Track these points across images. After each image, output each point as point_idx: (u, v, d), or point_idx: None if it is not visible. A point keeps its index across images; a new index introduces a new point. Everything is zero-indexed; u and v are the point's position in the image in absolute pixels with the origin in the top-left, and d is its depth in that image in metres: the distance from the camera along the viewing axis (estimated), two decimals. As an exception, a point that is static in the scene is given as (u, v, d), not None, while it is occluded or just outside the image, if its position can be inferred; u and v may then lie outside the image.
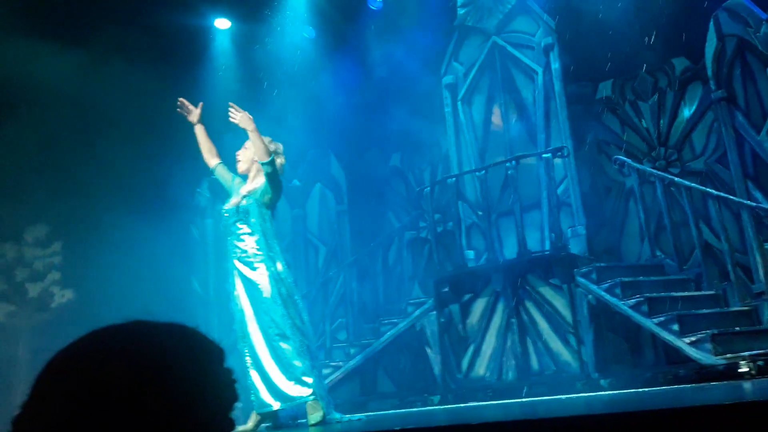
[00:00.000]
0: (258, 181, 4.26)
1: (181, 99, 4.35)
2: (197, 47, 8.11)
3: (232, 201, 4.25)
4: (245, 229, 4.15)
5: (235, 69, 8.19)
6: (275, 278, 4.08)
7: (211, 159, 4.38)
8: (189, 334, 0.84)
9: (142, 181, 7.71)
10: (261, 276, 4.09)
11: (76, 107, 7.28)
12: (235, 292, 4.17)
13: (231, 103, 4.13)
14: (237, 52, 8.27)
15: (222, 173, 4.39)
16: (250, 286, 4.11)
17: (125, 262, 7.58)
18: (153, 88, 7.06)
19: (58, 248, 8.47)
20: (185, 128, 7.26)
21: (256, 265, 4.11)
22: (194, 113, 4.34)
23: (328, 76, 7.97)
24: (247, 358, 4.09)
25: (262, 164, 4.09)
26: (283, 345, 4.02)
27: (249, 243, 4.13)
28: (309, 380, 3.99)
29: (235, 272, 4.17)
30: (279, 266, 4.13)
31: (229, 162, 4.39)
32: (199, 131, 4.36)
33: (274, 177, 4.15)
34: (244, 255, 4.14)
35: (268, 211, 4.20)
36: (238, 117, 4.09)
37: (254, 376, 4.06)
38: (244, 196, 4.21)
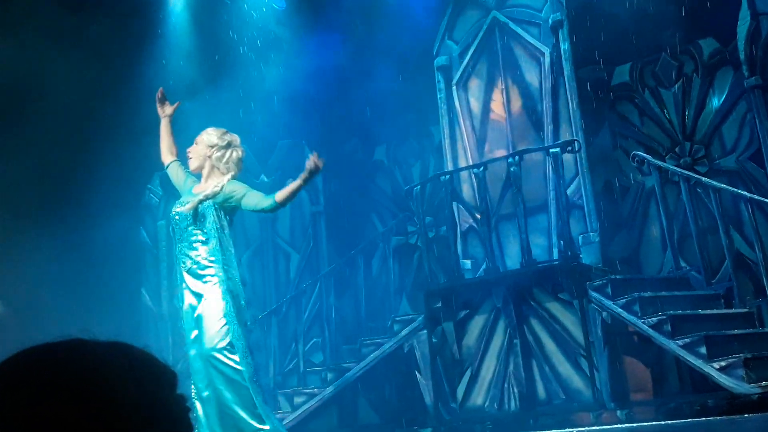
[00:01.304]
0: (215, 181, 4.27)
1: (161, 89, 4.53)
2: (147, 18, 7.91)
3: (187, 204, 4.24)
4: (199, 235, 4.17)
5: (191, 44, 8.08)
6: (230, 294, 4.09)
7: (168, 156, 4.49)
8: (135, 354, 0.83)
9: (83, 176, 7.59)
10: (212, 290, 4.09)
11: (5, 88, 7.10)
12: (184, 308, 4.18)
13: (317, 156, 4.16)
14: (194, 23, 8.12)
15: (175, 172, 4.48)
16: (200, 300, 4.12)
17: (63, 271, 7.49)
18: (94, 67, 6.94)
19: (-16, 253, 8.32)
20: (131, 115, 7.07)
21: (207, 278, 4.13)
22: (168, 108, 4.49)
23: (301, 55, 7.90)
24: (192, 387, 4.06)
25: (272, 206, 4.17)
26: (235, 370, 4.01)
27: (202, 252, 4.16)
28: (263, 414, 4.00)
29: (184, 285, 4.19)
30: (234, 281, 4.15)
31: (185, 160, 4.48)
32: (165, 125, 4.50)
33: (264, 212, 4.36)
34: (194, 266, 4.17)
35: (227, 217, 4.22)
36: (314, 166, 4.13)
37: (200, 407, 4.04)
38: (201, 199, 4.21)
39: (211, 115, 7.53)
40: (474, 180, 6.82)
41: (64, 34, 7.15)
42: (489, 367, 6.15)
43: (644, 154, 6.38)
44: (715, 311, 5.62)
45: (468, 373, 6.22)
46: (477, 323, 6.27)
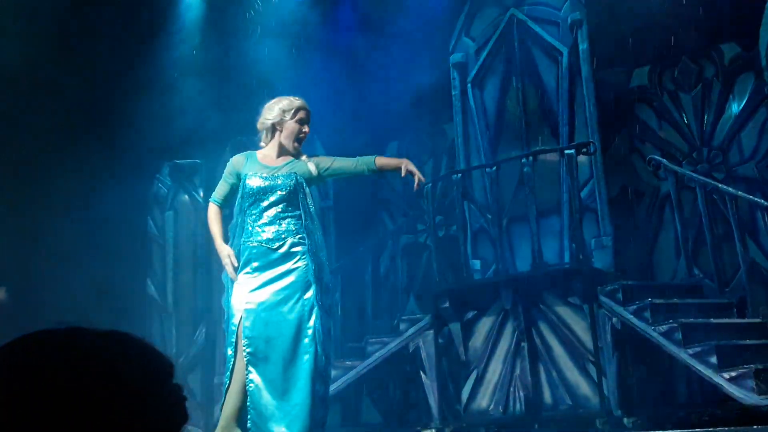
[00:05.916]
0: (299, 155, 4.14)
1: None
2: (159, 4, 7.98)
3: (265, 177, 4.01)
4: (284, 209, 3.97)
5: (201, 28, 8.06)
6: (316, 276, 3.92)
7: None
8: (133, 343, 0.85)
9: (91, 163, 7.57)
10: (298, 272, 3.91)
11: (9, 71, 7.17)
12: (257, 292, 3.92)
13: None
14: (208, 11, 8.12)
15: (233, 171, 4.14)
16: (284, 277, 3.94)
17: (69, 259, 7.48)
18: (104, 54, 6.93)
19: (-11, 238, 8.39)
20: (141, 103, 7.08)
21: (296, 257, 3.92)
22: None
23: (314, 46, 7.86)
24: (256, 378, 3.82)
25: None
26: (313, 361, 3.86)
27: (289, 227, 3.94)
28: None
29: (259, 265, 3.95)
30: (322, 260, 3.99)
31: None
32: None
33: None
34: (272, 242, 3.93)
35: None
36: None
37: (266, 397, 3.84)
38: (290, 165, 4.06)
39: (220, 104, 7.56)
40: (486, 180, 6.79)
41: (72, 23, 7.16)
42: (495, 370, 6.13)
43: (660, 158, 6.34)
44: (727, 320, 5.58)
45: (474, 375, 6.21)
46: (484, 325, 6.24)
